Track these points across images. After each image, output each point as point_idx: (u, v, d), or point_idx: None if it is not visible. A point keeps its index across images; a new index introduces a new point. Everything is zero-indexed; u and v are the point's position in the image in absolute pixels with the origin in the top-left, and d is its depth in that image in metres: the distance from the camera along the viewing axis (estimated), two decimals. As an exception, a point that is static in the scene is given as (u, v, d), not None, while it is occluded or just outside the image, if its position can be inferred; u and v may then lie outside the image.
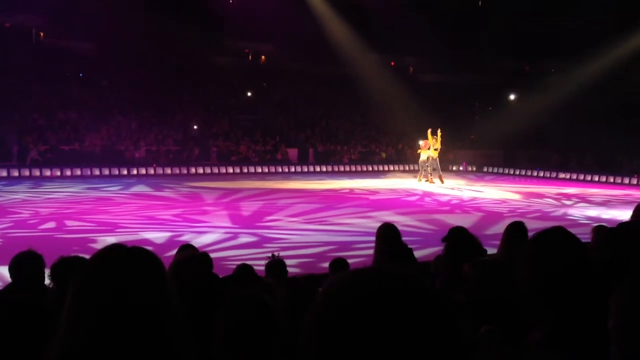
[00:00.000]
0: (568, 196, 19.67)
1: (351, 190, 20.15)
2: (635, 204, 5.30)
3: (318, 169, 28.91)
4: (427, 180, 21.77)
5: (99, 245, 9.79)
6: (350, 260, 5.74)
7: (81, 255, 3.37)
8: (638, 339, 1.32)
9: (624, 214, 15.04)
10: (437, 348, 0.86)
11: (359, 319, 0.86)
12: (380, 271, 0.94)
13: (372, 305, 0.87)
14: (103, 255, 1.36)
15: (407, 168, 29.71)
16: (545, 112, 31.11)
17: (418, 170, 22.88)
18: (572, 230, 1.92)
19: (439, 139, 21.57)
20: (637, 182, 25.14)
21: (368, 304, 0.87)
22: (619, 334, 1.37)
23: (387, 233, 5.23)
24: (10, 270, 3.79)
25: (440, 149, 21.94)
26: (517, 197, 19.22)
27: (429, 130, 21.54)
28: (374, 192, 19.79)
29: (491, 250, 5.78)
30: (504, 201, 17.94)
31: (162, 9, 28.80)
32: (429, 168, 21.78)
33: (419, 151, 22.23)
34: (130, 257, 1.34)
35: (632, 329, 1.33)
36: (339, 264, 5.29)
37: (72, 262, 3.16)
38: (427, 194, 19.33)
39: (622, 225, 3.62)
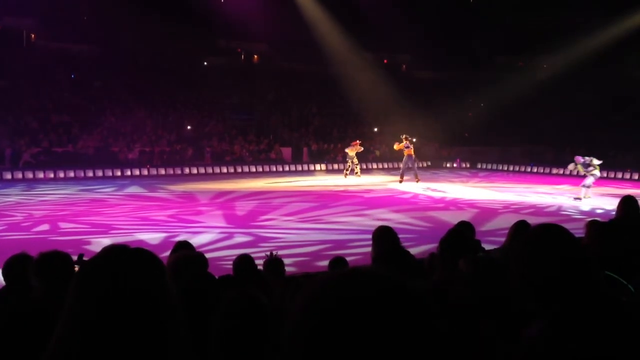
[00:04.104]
0: (562, 191, 19.73)
1: (346, 189, 20.17)
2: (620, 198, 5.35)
3: (312, 167, 28.96)
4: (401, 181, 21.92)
5: (93, 247, 9.77)
6: (346, 259, 5.73)
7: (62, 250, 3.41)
8: None
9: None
10: (419, 348, 0.87)
11: (343, 322, 0.87)
12: (363, 273, 0.94)
13: (355, 307, 0.88)
14: (106, 254, 1.36)
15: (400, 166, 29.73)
16: (538, 108, 31.22)
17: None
18: (566, 225, 1.93)
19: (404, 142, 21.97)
20: (630, 176, 25.26)
21: (351, 307, 0.88)
22: None
23: (383, 236, 5.22)
24: (3, 273, 3.80)
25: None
26: (511, 193, 19.28)
27: (403, 136, 22.20)
28: (368, 190, 19.81)
29: (486, 247, 5.80)
30: (498, 197, 17.98)
31: (155, 11, 28.73)
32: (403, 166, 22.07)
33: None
34: (132, 257, 1.35)
35: None
36: (338, 263, 5.27)
37: (52, 257, 3.20)
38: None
39: (616, 220, 3.65)
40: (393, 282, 0.92)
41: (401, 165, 22.29)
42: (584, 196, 16.62)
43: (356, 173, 23.74)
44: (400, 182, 21.66)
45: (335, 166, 29.50)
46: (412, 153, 21.91)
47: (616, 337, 1.64)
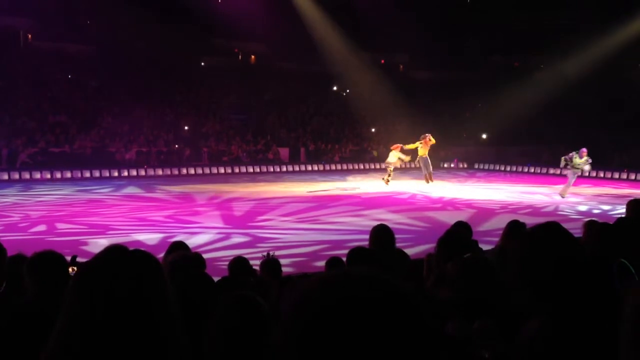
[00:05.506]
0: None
1: (343, 189, 20.16)
2: (628, 200, 5.36)
3: (310, 167, 28.93)
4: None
5: (90, 248, 9.76)
6: (343, 259, 5.72)
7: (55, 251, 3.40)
8: None
9: (615, 209, 15.15)
10: (412, 348, 0.87)
11: (337, 321, 0.87)
12: (357, 274, 0.95)
13: (348, 307, 0.88)
14: (105, 256, 1.37)
15: (399, 166, 29.75)
16: (535, 108, 31.26)
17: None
18: (564, 226, 1.93)
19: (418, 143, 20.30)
20: (627, 176, 25.31)
21: (344, 306, 0.89)
22: None
23: (379, 234, 5.22)
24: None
25: (428, 147, 20.60)
26: (508, 193, 19.31)
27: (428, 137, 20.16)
28: (366, 190, 19.80)
29: (483, 247, 5.80)
30: (495, 197, 18.00)
31: (152, 10, 28.70)
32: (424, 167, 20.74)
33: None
34: (131, 258, 1.35)
35: None
36: (335, 263, 5.27)
37: (45, 258, 3.20)
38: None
39: (618, 221, 3.66)
40: (387, 283, 0.93)
41: (422, 168, 20.27)
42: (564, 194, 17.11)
43: (386, 180, 20.54)
44: (428, 182, 19.90)
45: (332, 167, 29.48)
46: (426, 154, 19.87)
47: (614, 335, 1.64)
